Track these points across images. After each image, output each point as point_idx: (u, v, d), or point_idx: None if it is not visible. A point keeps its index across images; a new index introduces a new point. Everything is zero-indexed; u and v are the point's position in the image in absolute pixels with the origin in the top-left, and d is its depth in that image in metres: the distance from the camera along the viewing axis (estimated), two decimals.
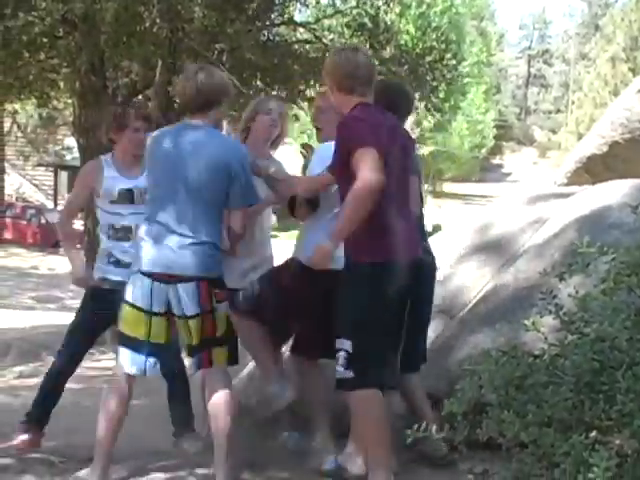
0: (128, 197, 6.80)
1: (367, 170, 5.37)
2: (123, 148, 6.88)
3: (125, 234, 6.80)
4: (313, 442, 6.53)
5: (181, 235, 5.79)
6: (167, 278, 5.76)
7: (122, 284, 6.20)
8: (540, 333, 3.99)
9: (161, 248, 5.82)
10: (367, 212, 5.41)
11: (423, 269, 5.84)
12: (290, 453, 6.76)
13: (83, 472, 6.10)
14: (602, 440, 3.19)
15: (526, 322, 4.27)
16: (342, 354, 5.58)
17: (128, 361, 5.95)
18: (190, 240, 5.77)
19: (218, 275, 5.90)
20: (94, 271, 7.02)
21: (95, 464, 5.96)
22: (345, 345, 5.57)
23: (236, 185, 5.86)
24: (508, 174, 66.02)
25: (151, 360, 5.95)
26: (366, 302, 5.60)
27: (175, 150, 5.92)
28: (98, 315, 6.85)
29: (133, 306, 5.89)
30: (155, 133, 6.19)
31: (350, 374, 5.55)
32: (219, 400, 5.84)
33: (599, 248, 3.76)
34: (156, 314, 5.87)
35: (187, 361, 6.17)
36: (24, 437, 6.98)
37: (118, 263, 6.79)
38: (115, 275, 6.76)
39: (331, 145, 5.94)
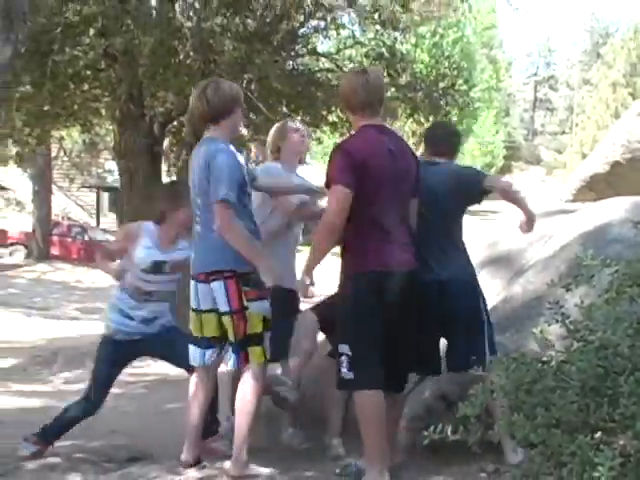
0: (159, 268, 6.81)
1: (330, 213, 5.64)
2: (172, 225, 6.82)
3: (147, 298, 6.83)
4: (325, 439, 6.57)
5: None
6: (203, 277, 5.94)
7: (133, 334, 6.73)
8: (548, 341, 3.97)
9: (195, 251, 6.08)
10: (330, 246, 5.73)
11: (418, 280, 5.75)
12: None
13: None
14: (606, 441, 3.17)
15: (534, 330, 4.25)
16: (344, 357, 5.64)
17: (193, 356, 6.19)
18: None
19: (246, 271, 5.92)
20: (105, 324, 7.05)
21: (187, 444, 6.19)
22: (345, 349, 5.63)
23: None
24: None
25: (209, 352, 6.12)
26: (357, 310, 5.67)
27: (192, 164, 6.11)
28: (116, 366, 6.97)
29: (192, 308, 6.12)
30: None
31: (351, 375, 5.60)
32: (245, 391, 5.95)
33: (602, 261, 3.75)
34: (204, 311, 6.03)
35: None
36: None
37: (132, 318, 6.83)
38: (127, 327, 6.84)
39: None
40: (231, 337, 5.95)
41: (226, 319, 5.92)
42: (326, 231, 5.70)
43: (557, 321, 3.81)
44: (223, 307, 5.89)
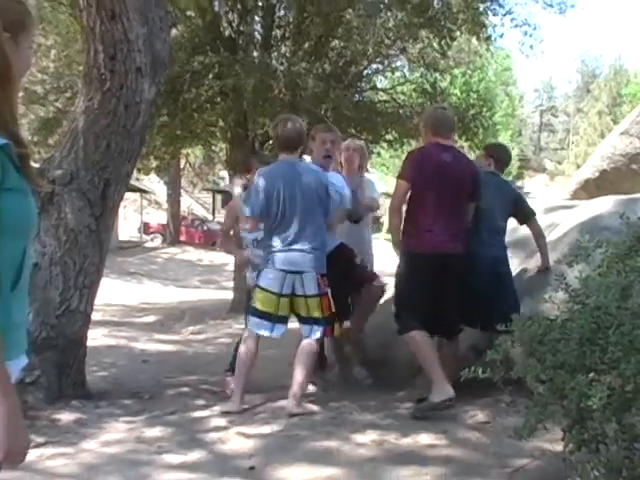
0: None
1: (394, 197, 5.94)
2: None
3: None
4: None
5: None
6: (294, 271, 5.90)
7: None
8: (554, 304, 3.96)
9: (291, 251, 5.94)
10: (395, 222, 5.99)
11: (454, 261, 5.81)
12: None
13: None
14: (598, 379, 3.15)
15: (545, 297, 4.24)
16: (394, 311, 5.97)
17: (258, 327, 6.03)
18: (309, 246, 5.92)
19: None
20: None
21: (235, 393, 6.11)
22: (395, 305, 6.00)
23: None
24: (528, 193, 65.08)
25: (278, 326, 6.01)
26: (402, 278, 5.95)
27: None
28: None
29: (266, 290, 5.96)
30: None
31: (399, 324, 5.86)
32: (306, 345, 5.98)
33: (596, 244, 3.73)
34: (283, 295, 5.95)
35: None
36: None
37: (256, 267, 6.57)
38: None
39: None
40: (318, 314, 5.95)
41: (314, 300, 5.93)
42: (390, 211, 6.01)
43: (561, 289, 3.80)
44: (312, 291, 5.90)
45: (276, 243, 5.95)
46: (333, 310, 6.01)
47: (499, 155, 6.75)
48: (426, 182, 5.75)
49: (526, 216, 6.58)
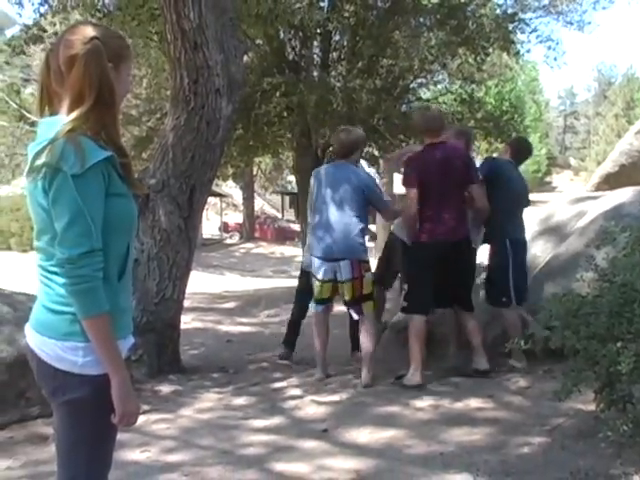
0: None
1: (410, 205, 5.73)
2: None
3: None
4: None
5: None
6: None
7: None
8: (585, 283, 3.92)
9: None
10: (408, 221, 5.92)
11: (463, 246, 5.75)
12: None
13: (314, 370, 6.28)
14: (625, 347, 3.13)
15: (577, 276, 4.19)
16: (403, 292, 5.97)
17: (313, 307, 6.17)
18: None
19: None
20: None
21: (318, 366, 6.19)
22: (405, 287, 5.97)
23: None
24: (555, 187, 64.16)
25: (319, 307, 6.11)
26: (413, 263, 5.88)
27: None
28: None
29: (317, 278, 6.03)
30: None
31: (405, 304, 5.86)
32: (366, 330, 5.93)
33: (621, 229, 3.67)
34: (326, 281, 5.97)
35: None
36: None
37: None
38: None
39: None
40: (349, 296, 5.90)
41: (347, 284, 5.87)
42: (407, 216, 5.92)
43: (591, 270, 3.75)
44: (347, 276, 5.85)
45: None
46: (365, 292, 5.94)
47: (515, 145, 6.61)
48: (426, 180, 5.65)
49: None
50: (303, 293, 6.96)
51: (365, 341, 5.88)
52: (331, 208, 5.87)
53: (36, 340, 2.09)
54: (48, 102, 2.16)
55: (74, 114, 2.03)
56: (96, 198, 1.99)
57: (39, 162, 1.99)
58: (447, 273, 5.64)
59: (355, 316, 6.02)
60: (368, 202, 5.92)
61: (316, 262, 5.96)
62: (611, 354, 3.19)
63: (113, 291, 2.07)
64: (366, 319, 5.92)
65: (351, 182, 5.85)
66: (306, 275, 6.73)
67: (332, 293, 6.03)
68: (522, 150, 6.56)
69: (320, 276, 5.94)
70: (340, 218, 5.82)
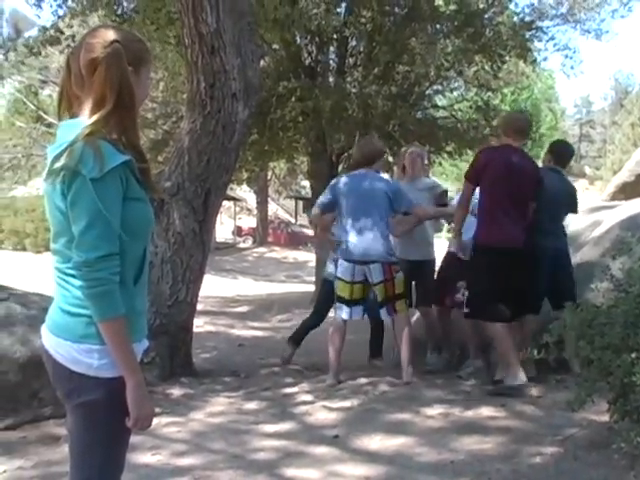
0: None
1: (462, 195, 5.83)
2: None
3: None
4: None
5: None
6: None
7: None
8: (600, 293, 3.90)
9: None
10: (458, 215, 5.87)
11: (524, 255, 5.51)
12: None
13: (325, 376, 6.26)
14: None
15: (592, 286, 4.17)
16: (465, 299, 5.75)
17: (342, 312, 6.12)
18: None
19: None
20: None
21: (331, 372, 6.18)
22: (467, 294, 5.73)
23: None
24: None
25: (355, 309, 6.13)
26: (477, 269, 5.61)
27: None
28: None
29: (345, 280, 6.09)
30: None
31: (467, 310, 5.68)
32: (403, 332, 6.01)
33: (637, 239, 3.66)
34: (356, 282, 6.04)
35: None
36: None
37: None
38: None
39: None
40: (382, 297, 6.01)
41: (380, 286, 5.96)
42: (457, 206, 5.98)
43: (606, 280, 3.73)
44: (378, 278, 5.94)
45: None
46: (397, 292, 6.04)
47: (558, 149, 6.39)
48: (495, 180, 5.53)
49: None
50: (326, 302, 6.97)
51: (402, 339, 6.01)
52: (360, 214, 6.04)
53: (52, 342, 2.10)
54: (68, 105, 2.17)
55: (94, 117, 2.04)
56: (114, 202, 2.00)
57: (58, 165, 2.00)
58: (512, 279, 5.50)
59: (386, 317, 6.18)
60: (393, 207, 6.09)
61: (345, 264, 6.06)
62: (625, 365, 3.18)
63: (129, 294, 2.08)
64: (401, 317, 6.07)
65: (377, 189, 6.04)
66: (329, 284, 6.70)
67: (363, 294, 6.13)
68: (563, 153, 6.35)
69: (350, 278, 6.05)
70: (369, 223, 5.99)
